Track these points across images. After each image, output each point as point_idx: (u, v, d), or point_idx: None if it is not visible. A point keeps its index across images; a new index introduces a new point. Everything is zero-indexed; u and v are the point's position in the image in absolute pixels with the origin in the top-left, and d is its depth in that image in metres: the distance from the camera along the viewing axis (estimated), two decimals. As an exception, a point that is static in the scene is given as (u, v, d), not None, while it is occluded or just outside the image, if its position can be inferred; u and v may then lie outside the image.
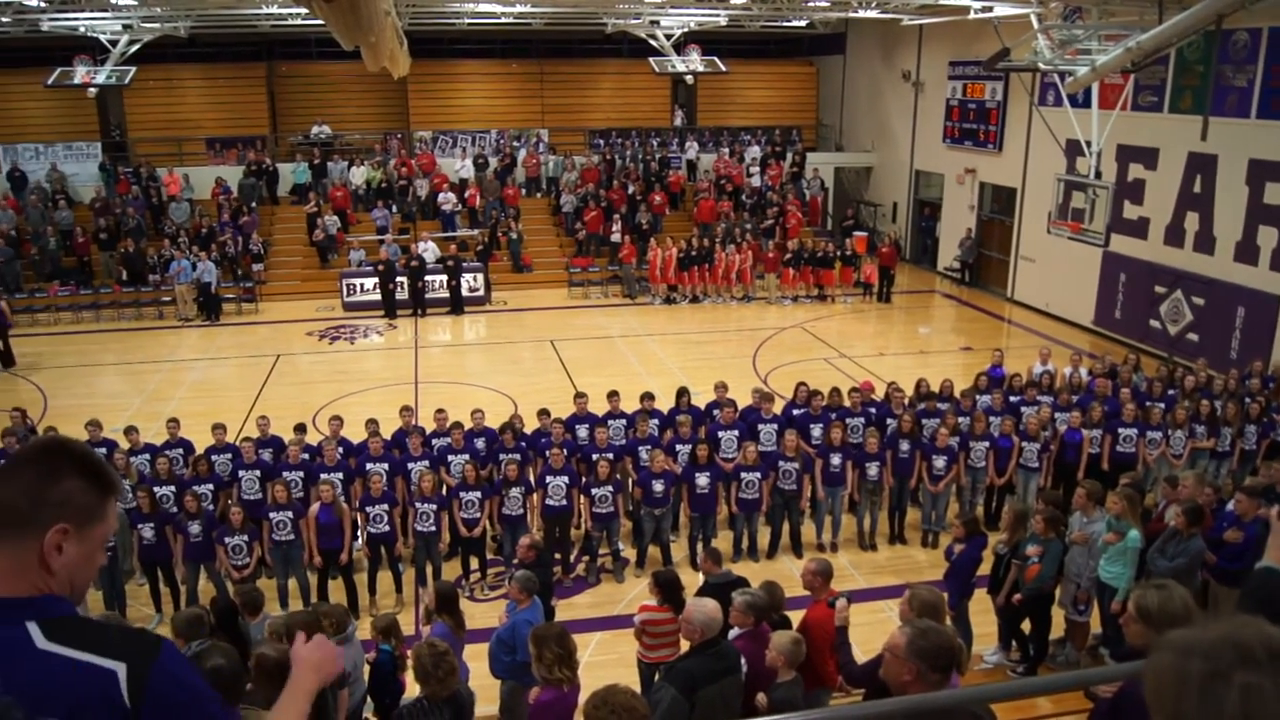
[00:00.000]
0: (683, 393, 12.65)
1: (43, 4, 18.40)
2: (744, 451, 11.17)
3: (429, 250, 22.85)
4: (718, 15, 21.61)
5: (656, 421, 12.14)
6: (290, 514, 10.05)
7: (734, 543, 11.38)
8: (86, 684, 1.70)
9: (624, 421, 12.20)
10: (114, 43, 20.95)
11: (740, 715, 5.94)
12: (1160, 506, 9.45)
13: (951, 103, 24.94)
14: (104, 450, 11.44)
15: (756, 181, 27.04)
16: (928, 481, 11.61)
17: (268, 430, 11.67)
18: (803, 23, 25.06)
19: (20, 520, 1.76)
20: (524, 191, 26.97)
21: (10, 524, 1.76)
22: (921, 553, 11.75)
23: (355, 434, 11.68)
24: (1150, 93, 18.44)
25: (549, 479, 10.75)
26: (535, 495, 10.95)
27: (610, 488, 10.82)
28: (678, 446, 11.46)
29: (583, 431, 11.91)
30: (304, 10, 17.30)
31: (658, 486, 10.87)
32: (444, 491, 10.76)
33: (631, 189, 25.94)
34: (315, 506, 10.14)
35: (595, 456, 11.00)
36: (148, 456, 11.22)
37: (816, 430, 12.04)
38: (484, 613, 9.98)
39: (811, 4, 20.62)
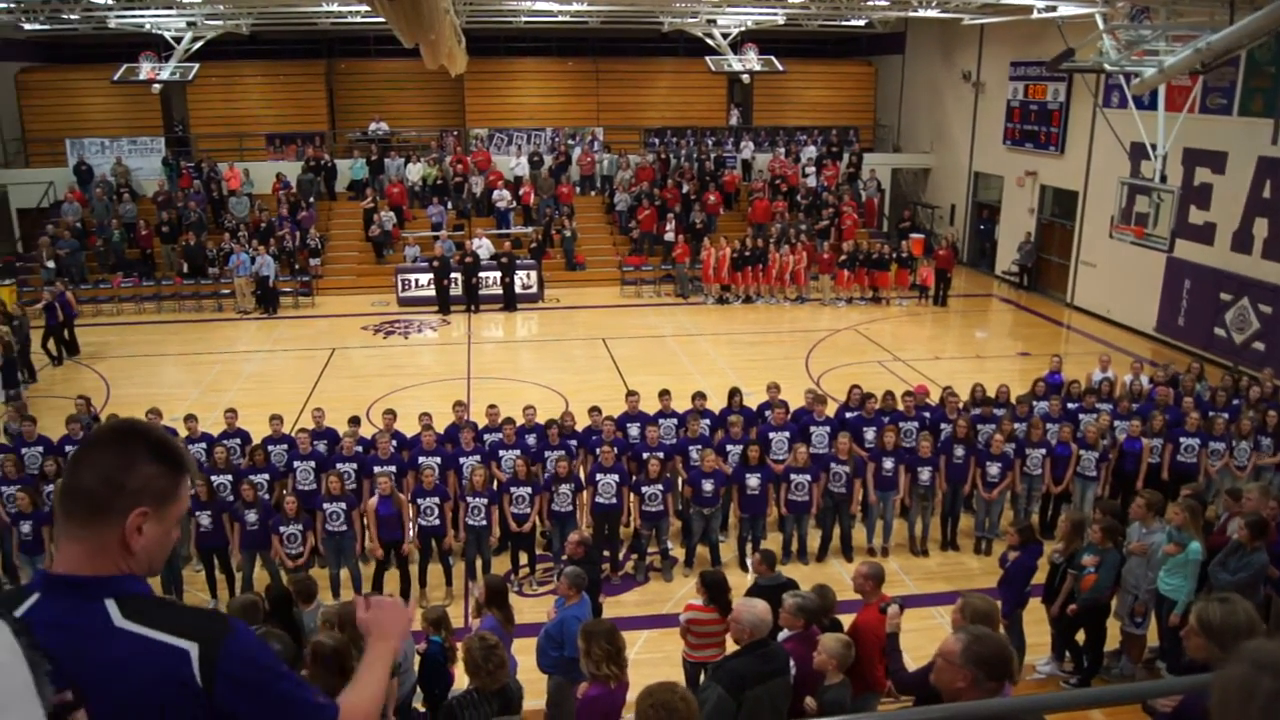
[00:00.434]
0: (734, 393, 12.61)
1: (110, 1, 18.79)
2: (795, 453, 11.11)
3: (483, 247, 23.00)
4: (775, 14, 21.50)
5: (708, 421, 12.11)
6: (344, 505, 10.17)
7: (783, 545, 11.31)
8: (159, 663, 1.75)
9: (675, 420, 12.18)
10: (178, 40, 21.35)
11: (788, 717, 5.91)
12: (1222, 519, 9.23)
13: (1012, 104, 24.59)
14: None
15: (812, 182, 26.87)
16: (982, 488, 11.45)
17: (323, 422, 11.83)
18: (861, 22, 24.85)
19: (103, 506, 1.81)
20: (578, 189, 27.05)
21: (93, 510, 1.81)
22: (974, 560, 11.60)
23: (408, 427, 11.79)
24: (1219, 95, 18.02)
25: (599, 476, 10.76)
26: (585, 492, 10.98)
27: (660, 486, 10.81)
28: (728, 447, 11.42)
29: (634, 430, 11.91)
30: (364, 8, 17.52)
31: (707, 486, 10.84)
32: (495, 486, 10.82)
33: (686, 188, 25.89)
34: (374, 499, 10.26)
35: (646, 455, 11.00)
36: (204, 445, 11.42)
37: (869, 433, 11.95)
38: (532, 607, 10.02)
39: (870, 3, 20.46)
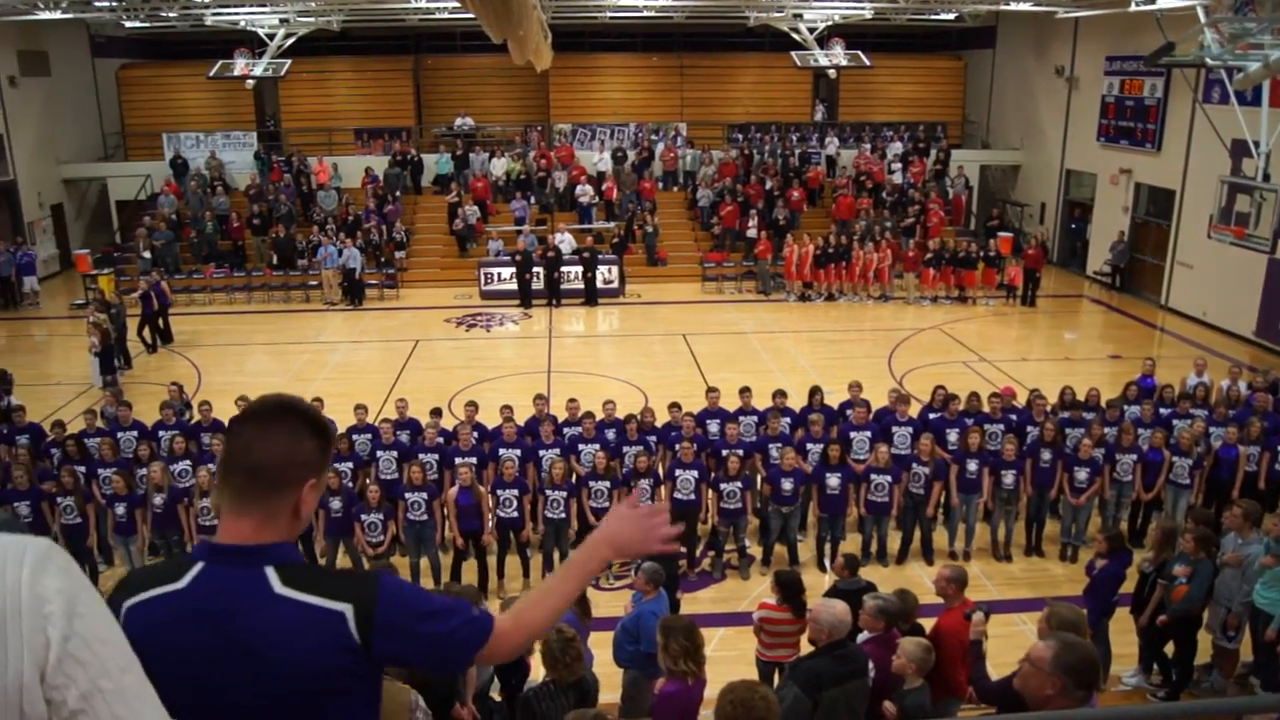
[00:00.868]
0: (815, 391, 12.50)
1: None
2: (876, 453, 10.97)
3: (565, 241, 23.14)
4: (863, 8, 21.26)
5: (788, 419, 12.03)
6: (425, 495, 10.32)
7: (862, 546, 11.18)
8: (319, 626, 1.85)
9: (755, 418, 12.12)
10: (271, 36, 21.88)
11: (865, 721, 5.85)
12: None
13: (1107, 99, 23.94)
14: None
15: (898, 178, 26.50)
16: (1069, 493, 11.17)
17: (405, 413, 12.02)
18: (951, 16, 24.39)
19: (281, 480, 1.93)
20: (661, 185, 27.06)
21: (273, 484, 1.93)
22: (1059, 566, 11.33)
23: (489, 419, 11.92)
24: (1327, 91, 17.30)
25: (678, 472, 10.76)
26: (663, 488, 10.98)
27: (739, 484, 10.76)
28: (809, 445, 11.33)
29: (713, 426, 11.89)
30: (452, 4, 17.74)
31: (787, 485, 10.77)
32: (574, 480, 10.88)
33: (769, 184, 25.73)
34: (454, 489, 10.40)
35: (725, 452, 10.96)
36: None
37: (952, 435, 11.75)
38: (608, 601, 10.04)
39: (961, -3, 20.08)
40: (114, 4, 20.85)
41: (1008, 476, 11.12)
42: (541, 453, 11.17)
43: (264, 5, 20.48)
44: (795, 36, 22.81)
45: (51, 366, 18.85)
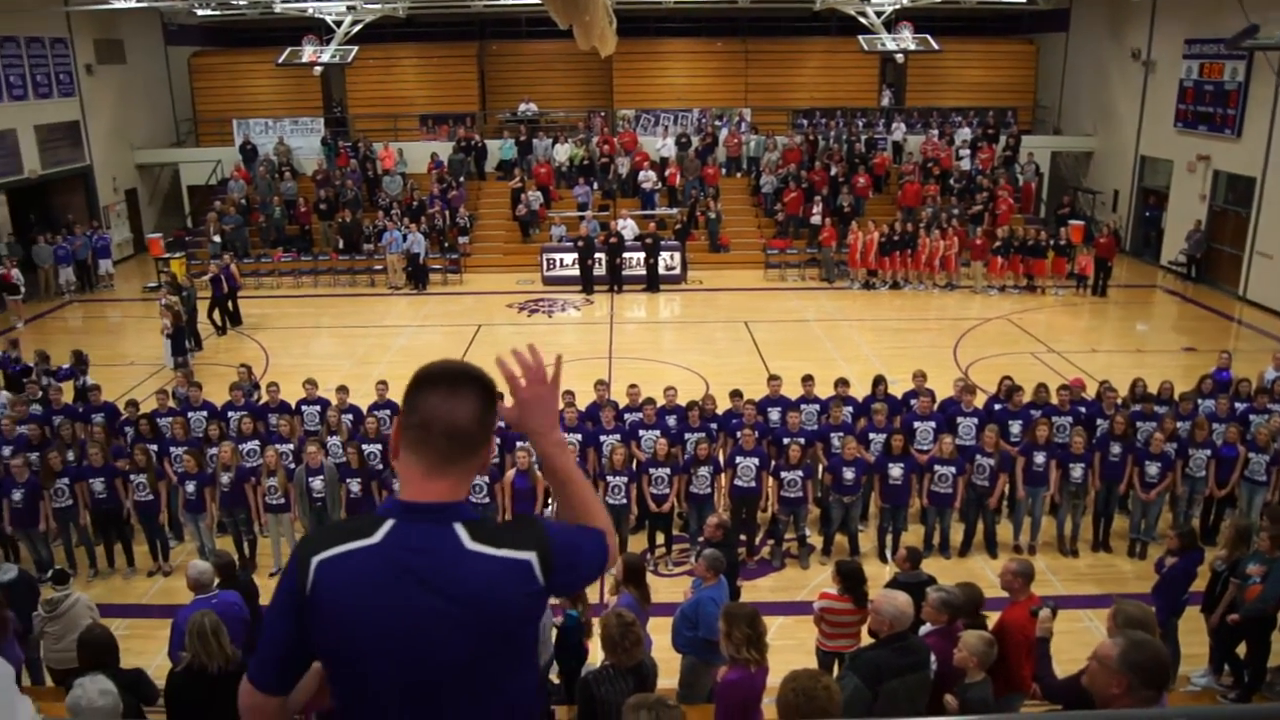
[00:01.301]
0: (879, 380, 12.36)
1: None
2: (940, 444, 10.82)
3: (628, 228, 23.13)
4: (933, -8, 20.91)
5: (850, 408, 11.92)
6: (486, 478, 10.39)
7: (925, 537, 11.06)
8: (511, 576, 1.98)
9: (817, 406, 12.01)
10: (338, 23, 22.13)
11: (926, 713, 5.78)
12: None
13: (1185, 84, 23.27)
14: (318, 408, 12.20)
15: (966, 165, 26.06)
16: (1139, 488, 10.91)
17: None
18: (1023, -1, 23.91)
19: (476, 442, 2.04)
20: (724, 171, 26.92)
21: (470, 446, 2.03)
22: (1127, 563, 11.09)
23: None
24: None
25: (739, 460, 10.72)
26: (724, 475, 10.95)
27: (800, 472, 10.69)
28: (871, 435, 11.23)
29: (775, 414, 11.82)
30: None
31: (848, 474, 10.67)
32: (634, 466, 10.89)
33: (834, 170, 25.46)
34: (511, 472, 10.46)
35: (786, 440, 10.89)
36: (352, 417, 11.87)
37: (1015, 427, 11.55)
38: (667, 587, 10.06)
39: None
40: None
41: (1076, 470, 10.89)
42: (602, 438, 11.20)
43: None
44: (862, 20, 22.53)
45: (125, 347, 19.32)
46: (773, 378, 12.46)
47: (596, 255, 22.55)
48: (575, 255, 22.74)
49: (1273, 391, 12.15)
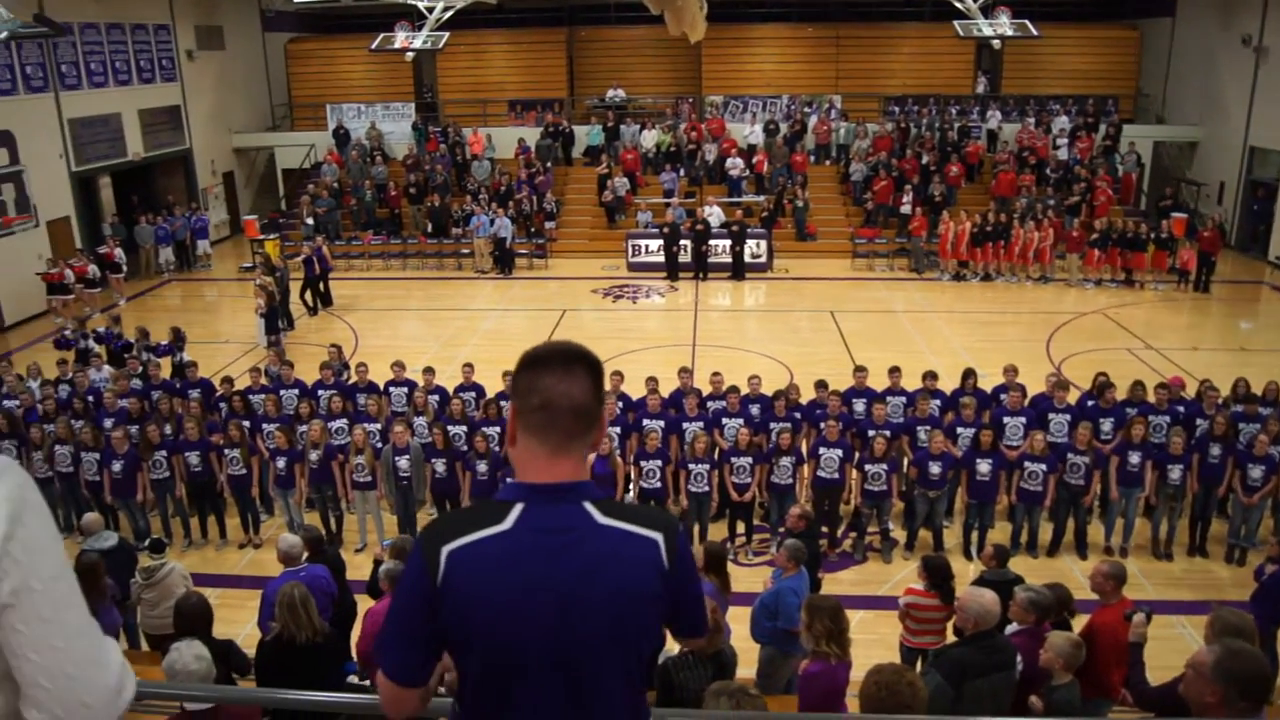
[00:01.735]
0: (969, 374, 12.09)
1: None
2: (1031, 440, 10.56)
3: (714, 215, 23.02)
4: (1033, -24, 20.32)
5: (938, 402, 11.70)
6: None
7: (1012, 535, 10.80)
8: (641, 552, 2.01)
9: (903, 399, 11.81)
10: (430, 10, 22.35)
11: (1010, 714, 5.65)
12: None
13: (1299, 72, 22.31)
14: (405, 389, 12.39)
15: (1063, 154, 25.35)
16: (1240, 492, 10.51)
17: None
18: (1128, -16, 23.12)
19: (594, 419, 2.05)
20: (813, 159, 26.60)
21: (590, 423, 2.04)
22: (1224, 569, 10.70)
23: (634, 390, 11.97)
24: None
25: (822, 451, 10.61)
26: (806, 466, 10.84)
27: (885, 465, 10.53)
28: (959, 429, 11.00)
29: (860, 406, 11.66)
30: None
31: (934, 468, 10.48)
32: (716, 454, 10.84)
33: (925, 159, 25.00)
34: (592, 457, 10.45)
35: (871, 433, 10.75)
36: (439, 398, 12.03)
37: (1106, 425, 11.21)
38: (747, 576, 10.01)
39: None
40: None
41: (1174, 471, 10.54)
42: (685, 425, 11.17)
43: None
44: (958, 5, 22.00)
45: (221, 325, 19.88)
46: (858, 369, 12.30)
47: (682, 242, 22.49)
48: (661, 242, 22.71)
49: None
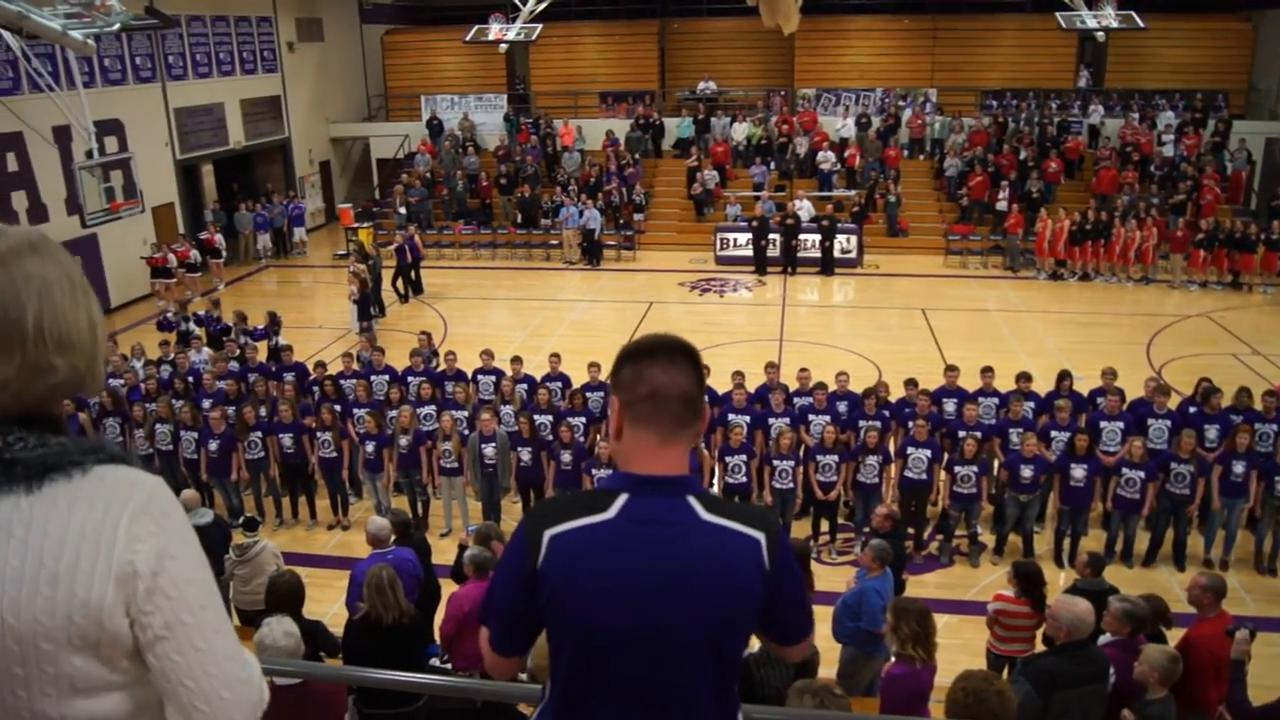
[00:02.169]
0: (1064, 376, 11.77)
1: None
2: (1130, 446, 10.24)
3: (804, 209, 22.80)
4: (1140, -34, 19.69)
5: (1032, 404, 11.42)
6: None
7: (1106, 544, 10.49)
8: (743, 549, 1.99)
9: (996, 400, 11.54)
10: (524, 2, 22.51)
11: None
12: None
13: None
14: (493, 377, 12.53)
15: (1169, 151, 24.50)
16: (1352, 505, 10.07)
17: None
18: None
19: (699, 410, 2.05)
20: (906, 153, 26.16)
21: (696, 413, 2.04)
22: (1335, 586, 10.26)
23: (719, 385, 11.90)
24: None
25: (910, 450, 10.43)
26: (893, 465, 10.68)
27: (975, 467, 10.31)
28: (1053, 433, 10.72)
29: (950, 406, 11.43)
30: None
31: (1026, 472, 10.23)
32: (801, 451, 10.74)
33: (1024, 154, 24.41)
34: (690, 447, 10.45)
35: (962, 433, 10.54)
36: (526, 386, 12.13)
37: (1211, 432, 10.81)
38: (829, 575, 9.89)
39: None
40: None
41: (1280, 482, 10.14)
42: (771, 421, 11.07)
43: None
44: (1061, -3, 21.42)
45: (315, 311, 20.34)
46: (949, 368, 12.05)
47: (771, 236, 22.33)
48: (749, 235, 22.58)
49: None
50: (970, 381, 11.88)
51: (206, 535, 8.54)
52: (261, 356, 14.04)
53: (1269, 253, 20.74)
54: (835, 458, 10.54)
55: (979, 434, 10.59)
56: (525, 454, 10.94)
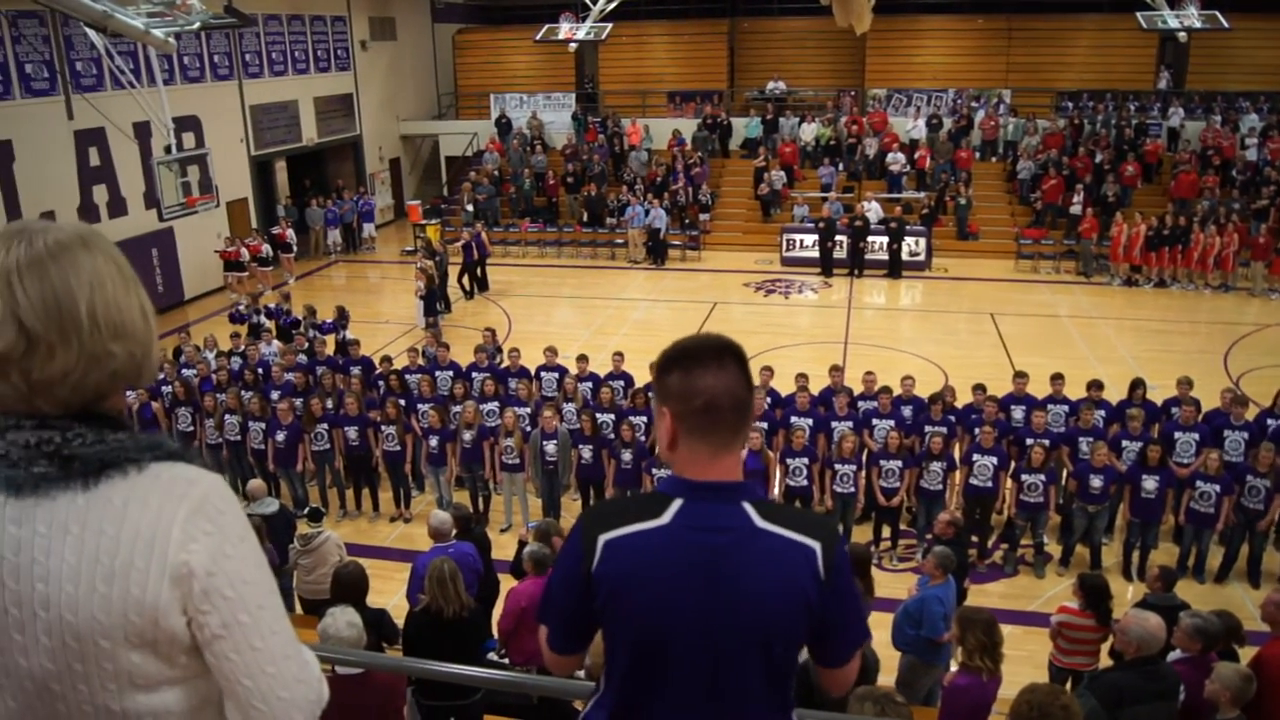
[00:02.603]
0: (1137, 385, 11.48)
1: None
2: (1205, 458, 9.95)
3: (872, 210, 22.55)
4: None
5: (1103, 413, 11.13)
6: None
7: (1178, 559, 10.20)
8: (797, 558, 1.96)
9: (1066, 408, 11.30)
10: (594, 1, 22.58)
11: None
12: None
13: None
14: (556, 375, 12.58)
15: (1252, 155, 23.79)
16: None
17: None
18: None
19: (750, 414, 2.03)
20: (978, 155, 25.72)
21: (747, 418, 2.01)
22: None
23: (783, 387, 11.84)
24: None
25: (976, 457, 10.27)
26: (958, 472, 10.51)
27: (1043, 476, 10.11)
28: (1124, 443, 10.48)
29: (1018, 413, 11.22)
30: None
31: (1096, 482, 10.00)
32: (865, 456, 10.62)
33: (1099, 157, 23.88)
34: (744, 451, 10.40)
35: (1030, 441, 10.34)
36: (591, 385, 12.16)
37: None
38: (889, 582, 9.78)
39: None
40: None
41: (1364, 499, 9.79)
42: (834, 424, 10.97)
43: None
44: (1142, -3, 20.93)
45: (382, 306, 20.62)
46: (1018, 374, 11.82)
47: (838, 238, 22.13)
48: (816, 237, 22.39)
49: None
50: (1039, 389, 11.66)
51: (272, 524, 8.71)
52: (329, 350, 14.25)
53: (1356, 261, 20.04)
54: (899, 463, 10.40)
55: (1047, 442, 10.38)
56: (586, 452, 10.97)
